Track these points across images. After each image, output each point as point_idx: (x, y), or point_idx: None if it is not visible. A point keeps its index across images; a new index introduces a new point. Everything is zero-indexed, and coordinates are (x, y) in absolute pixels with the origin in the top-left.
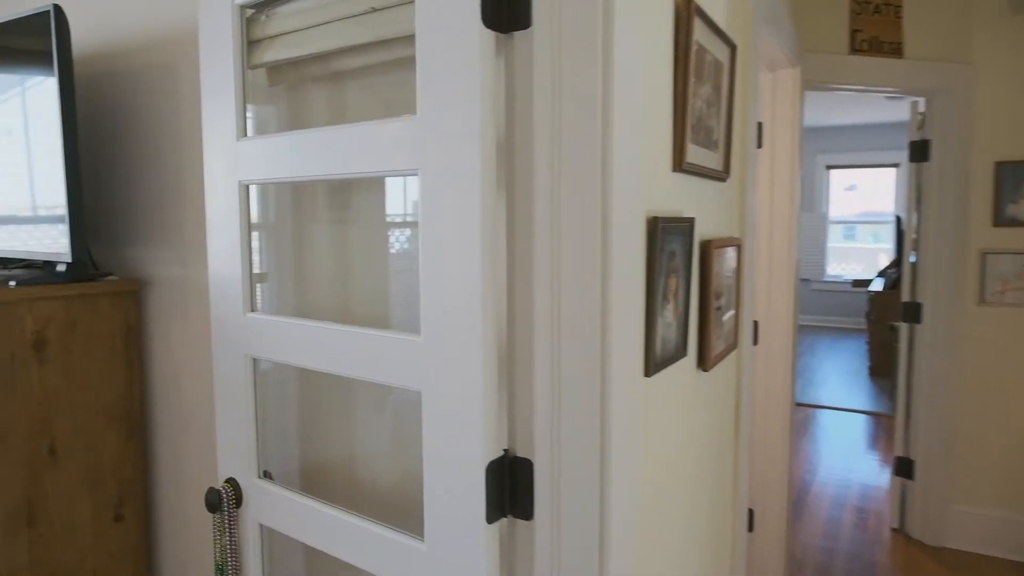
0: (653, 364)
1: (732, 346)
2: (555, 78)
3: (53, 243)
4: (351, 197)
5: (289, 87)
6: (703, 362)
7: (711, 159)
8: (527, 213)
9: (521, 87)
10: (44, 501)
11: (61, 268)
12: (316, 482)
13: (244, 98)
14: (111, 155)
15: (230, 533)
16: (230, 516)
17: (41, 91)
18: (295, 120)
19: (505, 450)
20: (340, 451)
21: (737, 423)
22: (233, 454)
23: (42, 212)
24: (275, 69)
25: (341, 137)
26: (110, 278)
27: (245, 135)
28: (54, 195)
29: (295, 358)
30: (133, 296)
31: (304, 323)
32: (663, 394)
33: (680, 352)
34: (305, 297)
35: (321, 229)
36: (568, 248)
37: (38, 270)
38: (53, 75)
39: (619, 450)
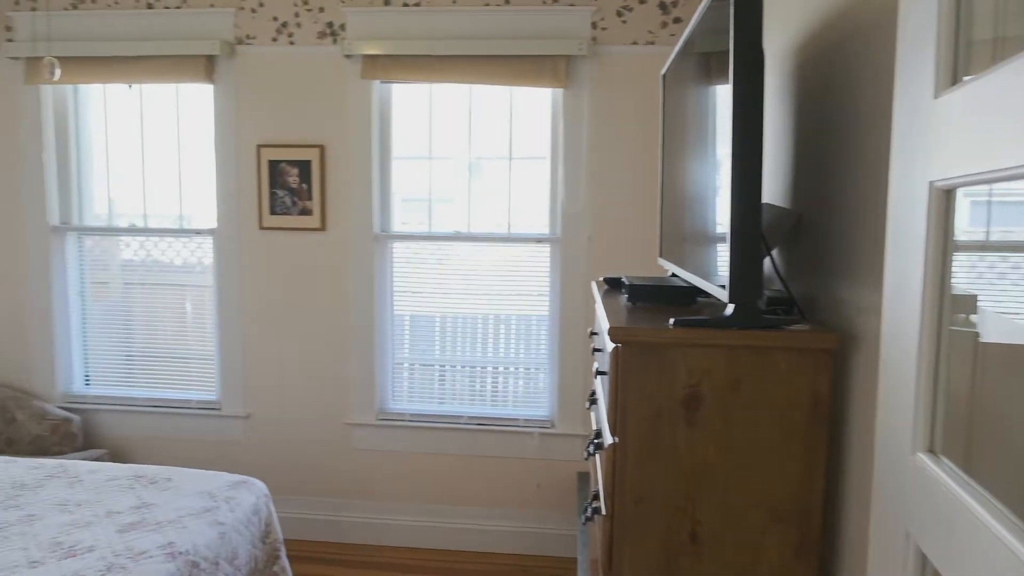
0: None
1: None
2: None
3: (723, 275)
4: None
5: None
6: None
7: None
8: None
9: None
10: None
11: (728, 310)
12: None
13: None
14: (831, 155)
15: None
16: None
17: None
18: None
19: None
20: None
21: None
22: None
23: (720, 230)
24: None
25: None
26: (795, 327)
27: (954, 82)
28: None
29: None
30: (825, 356)
31: (1000, 532)
32: None
33: None
34: None
35: None
36: None
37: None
38: (740, 56)
39: None
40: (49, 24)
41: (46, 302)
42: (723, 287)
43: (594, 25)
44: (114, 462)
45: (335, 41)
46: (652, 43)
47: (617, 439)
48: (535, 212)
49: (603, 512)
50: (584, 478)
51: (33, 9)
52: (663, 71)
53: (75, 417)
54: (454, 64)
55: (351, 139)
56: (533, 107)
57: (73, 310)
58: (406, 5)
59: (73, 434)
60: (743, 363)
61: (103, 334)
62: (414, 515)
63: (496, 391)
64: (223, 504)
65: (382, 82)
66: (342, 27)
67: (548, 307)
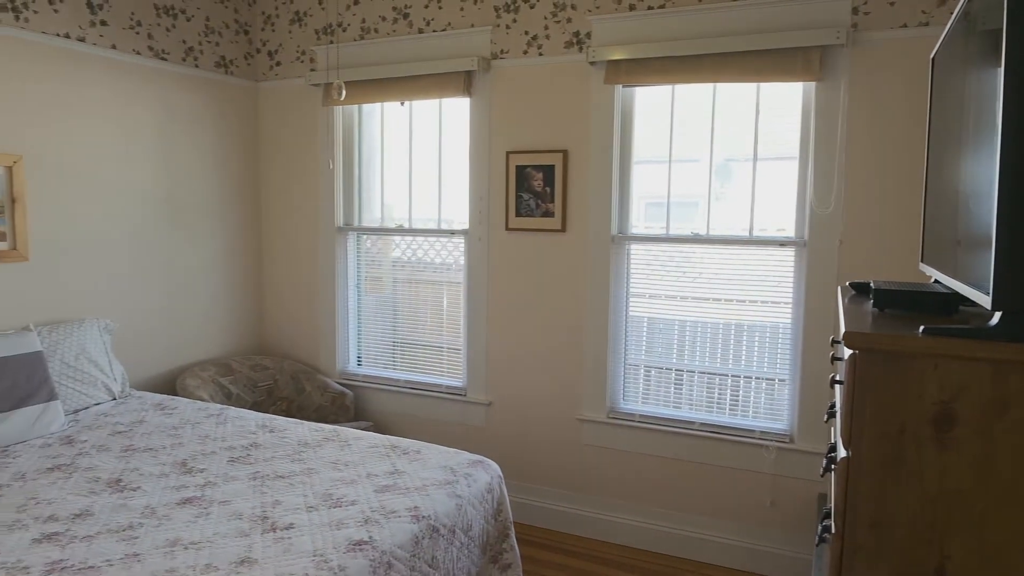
0: None
1: None
2: None
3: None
4: None
5: None
6: None
7: None
8: None
9: None
10: None
11: (994, 319)
12: None
13: None
14: None
15: None
16: None
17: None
18: None
19: None
20: None
21: None
22: None
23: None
24: None
25: None
26: None
27: None
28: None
29: None
30: None
31: None
32: None
33: None
34: None
35: None
36: None
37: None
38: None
39: None
40: (342, 54)
41: (331, 292)
42: (987, 293)
43: (855, 10)
44: (376, 433)
45: (580, 49)
46: (926, 24)
47: (850, 452)
48: (779, 214)
49: (833, 532)
50: (824, 500)
51: (331, 42)
52: (932, 54)
53: (349, 392)
54: (698, 64)
55: (593, 144)
56: (781, 104)
57: (351, 300)
58: (651, 8)
59: (347, 407)
60: (1013, 382)
61: (374, 322)
62: (638, 515)
63: (736, 400)
64: (462, 479)
65: (624, 86)
66: (588, 35)
67: (791, 315)
